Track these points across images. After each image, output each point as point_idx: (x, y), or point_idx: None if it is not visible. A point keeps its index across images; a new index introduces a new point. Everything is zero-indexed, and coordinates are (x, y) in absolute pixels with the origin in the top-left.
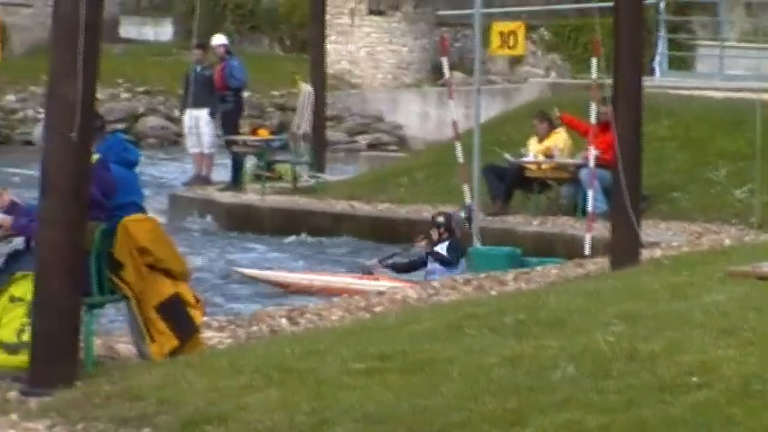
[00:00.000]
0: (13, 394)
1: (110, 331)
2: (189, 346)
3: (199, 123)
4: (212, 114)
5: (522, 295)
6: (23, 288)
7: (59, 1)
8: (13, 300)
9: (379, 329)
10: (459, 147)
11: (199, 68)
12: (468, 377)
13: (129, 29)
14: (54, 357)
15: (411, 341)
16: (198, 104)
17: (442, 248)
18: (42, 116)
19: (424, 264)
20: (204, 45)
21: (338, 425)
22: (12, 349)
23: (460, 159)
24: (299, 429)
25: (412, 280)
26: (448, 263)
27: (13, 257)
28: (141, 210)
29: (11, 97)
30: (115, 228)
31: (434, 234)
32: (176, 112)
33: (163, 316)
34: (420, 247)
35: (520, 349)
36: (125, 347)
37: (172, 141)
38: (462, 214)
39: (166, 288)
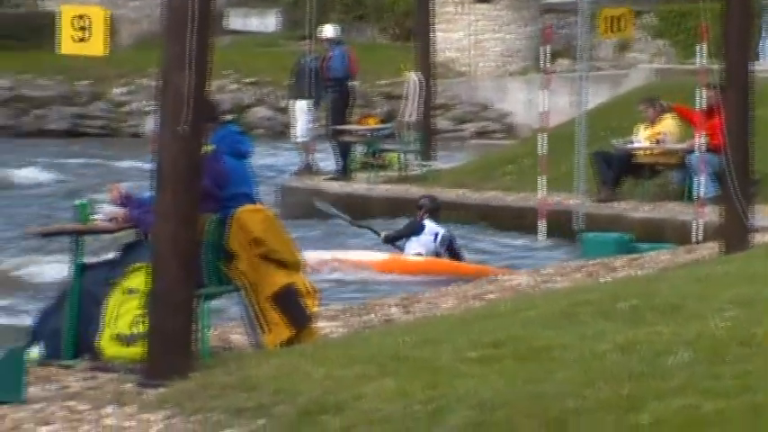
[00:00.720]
0: (129, 386)
1: (224, 322)
2: (303, 335)
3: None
4: (316, 104)
5: (634, 281)
6: (138, 280)
7: None
8: (128, 292)
9: (492, 317)
10: (545, 138)
11: (308, 59)
12: (583, 363)
13: (235, 20)
14: (169, 349)
15: (524, 328)
16: (305, 95)
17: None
18: (151, 108)
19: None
20: (313, 35)
21: (454, 412)
22: (127, 341)
23: (540, 151)
24: (414, 418)
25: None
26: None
27: (128, 249)
28: (254, 200)
29: (119, 90)
30: (228, 219)
31: (417, 216)
32: (283, 103)
33: (277, 306)
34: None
35: (634, 335)
36: (239, 338)
37: (279, 132)
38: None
39: (280, 278)
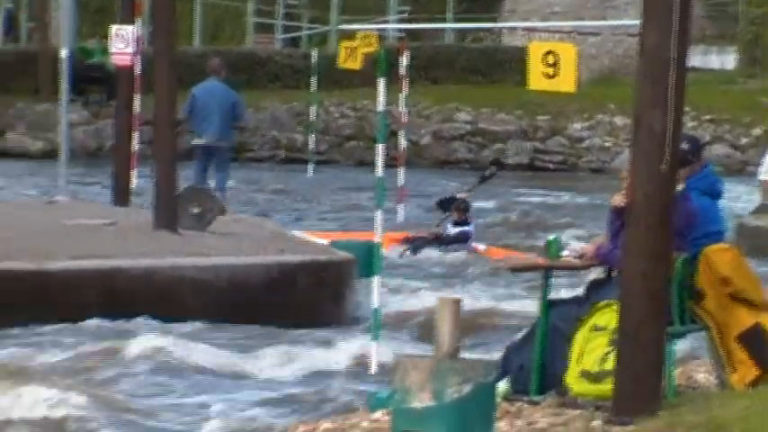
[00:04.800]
0: (596, 423)
1: (689, 360)
2: None
3: None
4: None
5: None
6: (606, 317)
7: (647, 34)
8: (595, 329)
9: None
10: None
11: None
12: None
13: (695, 57)
14: (638, 387)
15: None
16: None
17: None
18: (608, 144)
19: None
20: None
21: None
22: (594, 377)
23: None
24: None
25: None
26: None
27: (595, 286)
28: (723, 240)
29: (577, 125)
30: (696, 257)
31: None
32: (742, 140)
33: (744, 346)
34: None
35: None
36: (703, 377)
37: (736, 170)
38: None
39: (748, 318)
